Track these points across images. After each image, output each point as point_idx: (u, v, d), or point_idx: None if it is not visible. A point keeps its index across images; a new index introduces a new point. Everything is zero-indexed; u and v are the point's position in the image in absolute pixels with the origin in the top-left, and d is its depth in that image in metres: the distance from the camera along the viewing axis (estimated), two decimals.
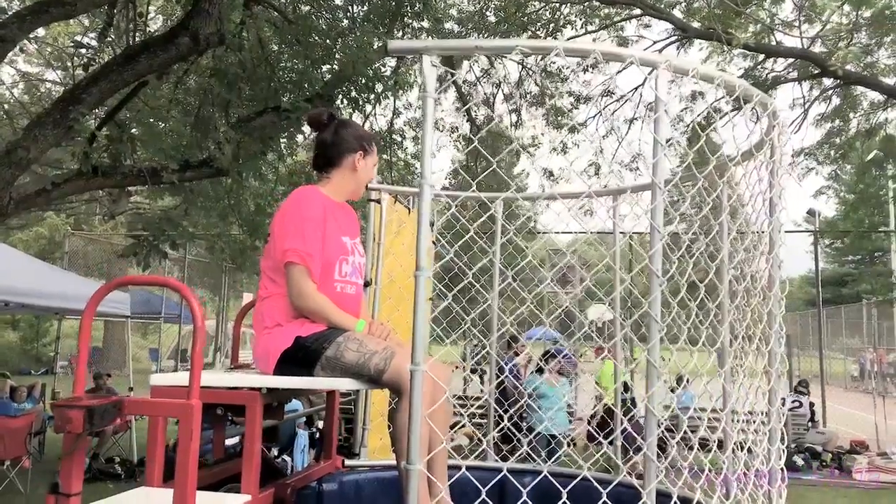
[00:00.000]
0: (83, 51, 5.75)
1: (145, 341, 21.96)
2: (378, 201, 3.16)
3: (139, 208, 12.40)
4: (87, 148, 5.34)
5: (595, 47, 1.65)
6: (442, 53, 1.46)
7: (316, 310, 2.20)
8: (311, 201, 2.29)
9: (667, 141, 1.70)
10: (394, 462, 2.93)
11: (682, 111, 11.35)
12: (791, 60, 10.30)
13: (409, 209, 3.84)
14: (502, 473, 2.30)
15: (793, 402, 10.17)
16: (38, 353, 18.61)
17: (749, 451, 2.23)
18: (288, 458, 6.75)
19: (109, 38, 6.19)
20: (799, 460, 9.26)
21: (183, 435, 1.71)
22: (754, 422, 2.24)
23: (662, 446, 2.02)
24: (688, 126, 10.89)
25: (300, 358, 2.18)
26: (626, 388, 9.40)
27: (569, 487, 1.83)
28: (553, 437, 6.64)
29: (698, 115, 10.75)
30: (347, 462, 2.73)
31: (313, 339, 2.19)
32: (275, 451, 6.60)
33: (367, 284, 3.12)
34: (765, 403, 2.22)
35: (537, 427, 6.74)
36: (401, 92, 11.61)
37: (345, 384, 2.14)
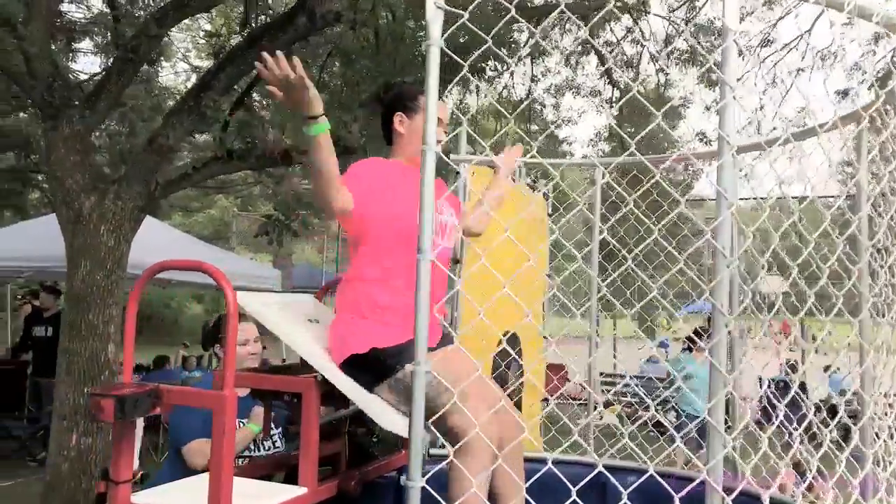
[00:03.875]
0: (214, 39, 6.01)
1: None
2: (458, 173, 2.96)
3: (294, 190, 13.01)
4: (221, 133, 5.59)
5: None
6: None
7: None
8: (358, 166, 2.28)
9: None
10: None
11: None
12: None
13: (513, 180, 3.59)
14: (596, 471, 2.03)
15: None
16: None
17: None
18: None
19: (249, 28, 6.44)
20: None
21: (216, 426, 1.63)
22: None
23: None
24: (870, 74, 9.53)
25: (369, 368, 2.07)
26: (793, 368, 8.57)
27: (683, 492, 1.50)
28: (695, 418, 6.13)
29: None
30: (433, 451, 2.58)
31: (389, 355, 2.06)
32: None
33: (455, 261, 2.94)
34: None
35: (685, 409, 6.28)
36: (539, 58, 11.23)
37: (397, 420, 1.99)
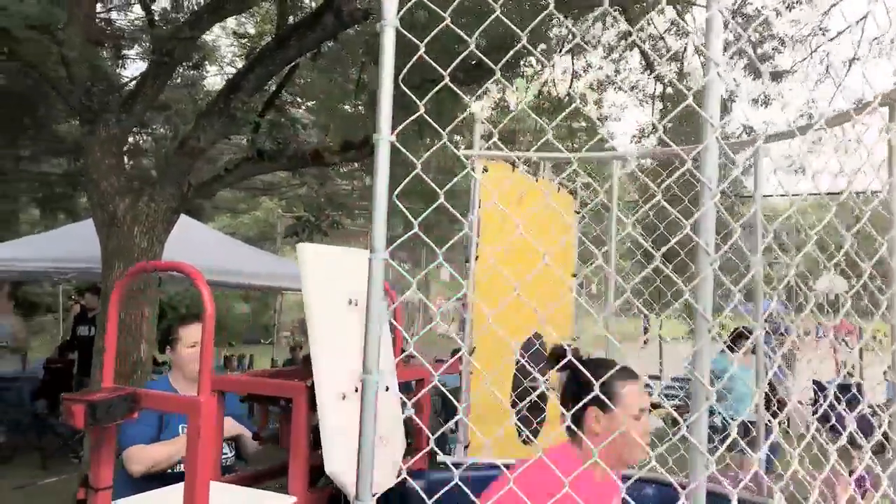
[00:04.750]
0: (244, 40, 6.02)
1: None
2: (485, 169, 2.83)
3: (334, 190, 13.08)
4: (252, 135, 5.61)
5: None
6: None
7: None
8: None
9: None
10: (489, 461, 2.63)
11: None
12: None
13: (535, 177, 3.46)
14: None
15: None
16: (266, 324, 20.77)
17: None
18: None
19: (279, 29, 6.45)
20: None
21: (191, 432, 1.57)
22: None
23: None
24: None
25: None
26: (850, 373, 8.17)
27: None
28: (728, 421, 5.86)
29: None
30: (440, 458, 2.48)
31: None
32: None
33: (466, 260, 2.82)
34: None
35: (724, 411, 6.05)
36: (581, 54, 11.00)
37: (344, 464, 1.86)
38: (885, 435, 1.89)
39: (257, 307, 20.48)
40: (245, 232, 17.46)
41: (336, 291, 2.04)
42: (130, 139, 14.07)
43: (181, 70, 12.34)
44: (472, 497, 1.16)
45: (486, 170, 2.86)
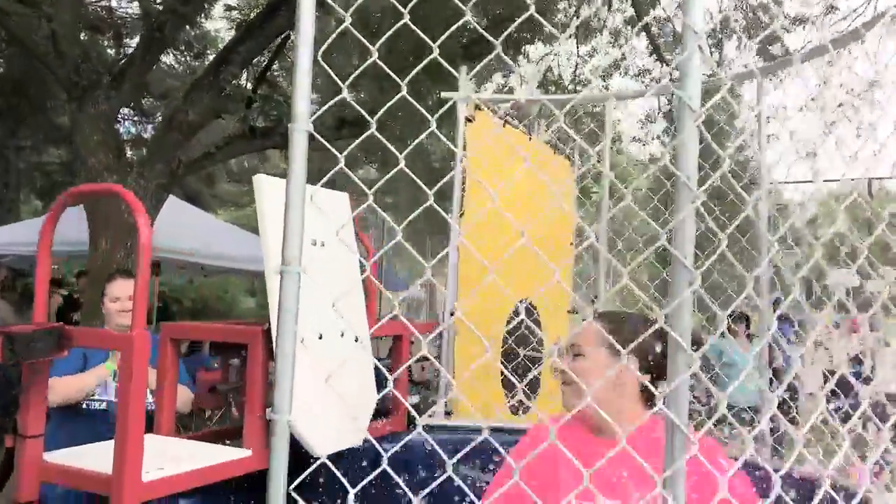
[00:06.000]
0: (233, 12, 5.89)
1: None
2: (470, 119, 2.65)
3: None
4: (244, 111, 5.47)
5: None
6: None
7: None
8: None
9: None
10: (473, 423, 2.48)
11: None
12: None
13: (528, 135, 3.29)
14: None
15: None
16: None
17: None
18: None
19: None
20: None
21: (124, 369, 1.41)
22: None
23: None
24: None
25: None
26: (859, 360, 7.95)
27: None
28: (731, 408, 5.64)
29: None
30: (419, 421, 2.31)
31: None
32: None
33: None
34: None
35: (718, 398, 5.85)
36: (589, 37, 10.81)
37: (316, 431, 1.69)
38: None
39: (263, 301, 20.39)
40: (252, 224, 17.32)
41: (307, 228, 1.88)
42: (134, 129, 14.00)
43: (185, 58, 12.27)
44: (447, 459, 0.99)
45: (471, 119, 2.67)
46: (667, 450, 0.79)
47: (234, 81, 5.23)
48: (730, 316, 6.12)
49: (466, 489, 0.93)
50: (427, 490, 0.93)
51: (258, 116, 5.60)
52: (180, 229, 7.42)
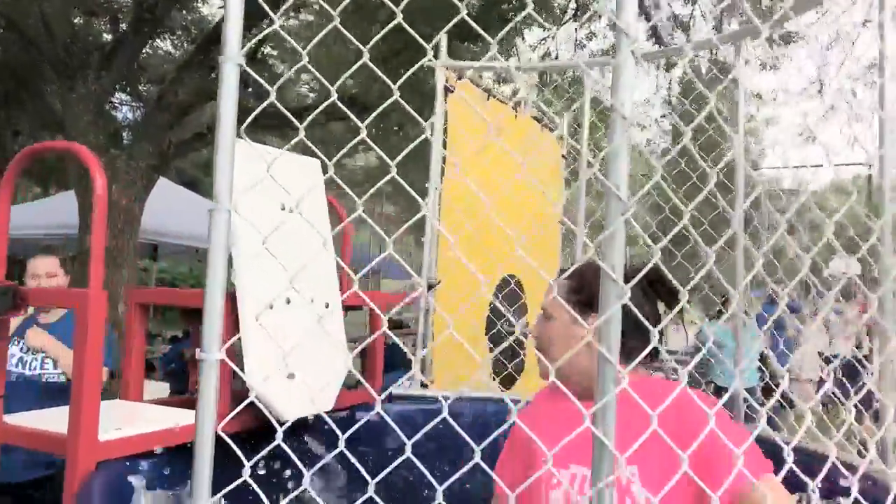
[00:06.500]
0: None
1: None
2: (450, 89, 2.60)
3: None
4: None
5: None
6: None
7: None
8: None
9: None
10: (446, 393, 2.45)
11: None
12: None
13: (514, 110, 3.25)
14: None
15: None
16: None
17: None
18: None
19: None
20: None
21: (79, 327, 1.39)
22: None
23: None
24: None
25: None
26: (859, 345, 7.93)
27: None
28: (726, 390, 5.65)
29: None
30: (395, 391, 2.29)
31: None
32: None
33: (431, 286, 2.61)
34: None
35: (716, 381, 5.90)
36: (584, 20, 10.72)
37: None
38: None
39: None
40: None
41: (269, 196, 1.85)
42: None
43: (186, 46, 12.21)
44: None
45: (451, 89, 2.63)
46: (597, 384, 0.76)
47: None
48: (724, 299, 6.09)
49: (418, 462, 0.88)
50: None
51: (249, 98, 5.56)
52: (179, 216, 7.40)
